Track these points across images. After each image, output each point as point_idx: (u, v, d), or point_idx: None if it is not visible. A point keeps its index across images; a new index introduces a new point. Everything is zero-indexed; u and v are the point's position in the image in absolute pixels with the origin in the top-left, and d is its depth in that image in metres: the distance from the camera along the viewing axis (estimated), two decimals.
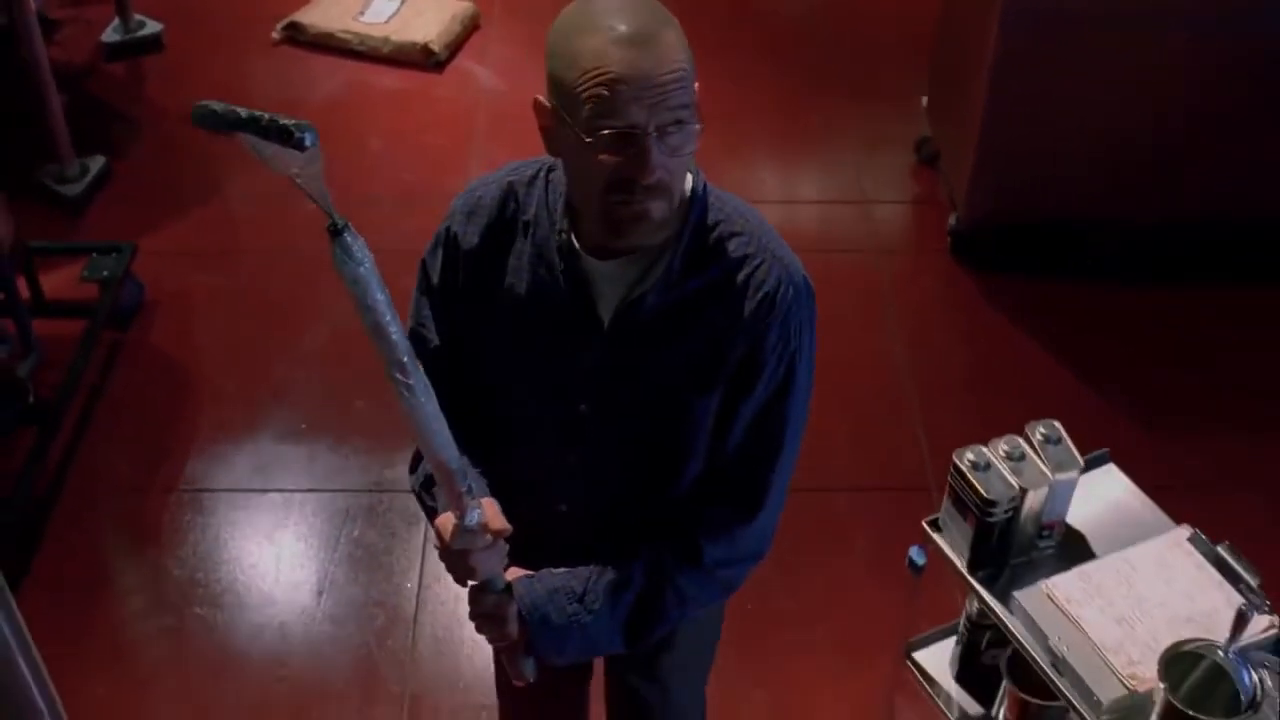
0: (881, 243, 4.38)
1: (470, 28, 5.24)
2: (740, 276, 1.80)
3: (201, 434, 3.75)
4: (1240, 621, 2.02)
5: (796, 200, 4.62)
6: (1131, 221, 4.15)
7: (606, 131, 1.64)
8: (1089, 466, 2.51)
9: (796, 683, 3.17)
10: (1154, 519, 2.46)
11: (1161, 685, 2.03)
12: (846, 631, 3.23)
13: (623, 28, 1.63)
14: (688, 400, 1.85)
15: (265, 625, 3.30)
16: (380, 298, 1.49)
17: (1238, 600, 2.24)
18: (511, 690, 2.32)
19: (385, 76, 5.08)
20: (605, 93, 1.62)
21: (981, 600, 2.34)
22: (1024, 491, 2.28)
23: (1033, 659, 2.25)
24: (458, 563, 1.80)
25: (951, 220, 4.23)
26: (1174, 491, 2.55)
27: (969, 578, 2.35)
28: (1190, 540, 2.36)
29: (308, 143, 1.42)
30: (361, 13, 5.18)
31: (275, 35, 5.19)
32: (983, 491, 2.27)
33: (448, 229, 1.92)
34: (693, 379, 1.84)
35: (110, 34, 5.12)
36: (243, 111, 1.46)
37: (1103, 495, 2.50)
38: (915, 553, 2.50)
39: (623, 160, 1.66)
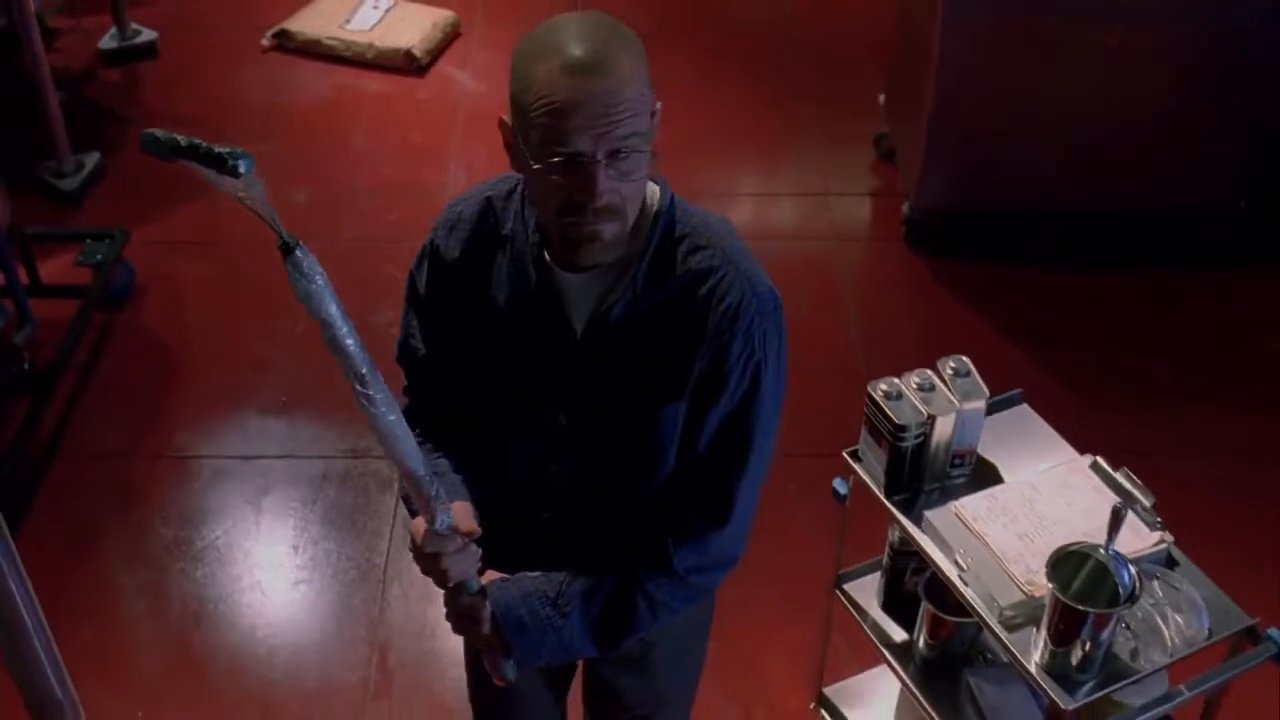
0: (840, 231, 4.60)
1: (451, 35, 5.47)
2: (704, 289, 1.83)
3: (188, 406, 3.95)
4: (1115, 519, 2.19)
5: (761, 194, 4.83)
6: (1076, 209, 4.35)
7: (555, 159, 1.68)
8: (1004, 406, 2.70)
9: (741, 629, 3.35)
10: (1061, 451, 2.64)
11: (1050, 584, 2.20)
12: (789, 577, 3.41)
13: (576, 53, 1.66)
14: (657, 410, 1.88)
15: (244, 578, 3.49)
16: (335, 312, 1.50)
17: (1131, 518, 2.42)
18: (483, 700, 2.43)
19: (370, 80, 5.31)
20: (552, 120, 1.66)
21: (897, 521, 2.52)
22: (933, 418, 2.45)
23: (942, 572, 2.42)
24: (430, 565, 1.83)
25: (905, 209, 4.43)
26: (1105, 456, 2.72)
27: (885, 500, 2.53)
28: (1091, 467, 2.54)
29: (241, 170, 1.44)
30: (348, 20, 5.43)
31: (265, 43, 5.43)
32: (894, 418, 2.44)
33: (431, 242, 1.96)
34: (660, 389, 1.87)
35: (107, 41, 5.36)
36: (182, 140, 1.47)
37: (1016, 431, 2.67)
38: (839, 483, 2.67)
39: (572, 184, 1.70)
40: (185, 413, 3.93)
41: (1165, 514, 2.41)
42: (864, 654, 2.99)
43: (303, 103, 5.20)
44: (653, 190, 1.88)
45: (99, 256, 4.14)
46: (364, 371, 1.56)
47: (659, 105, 1.79)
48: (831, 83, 5.25)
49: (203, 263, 4.47)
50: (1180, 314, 4.24)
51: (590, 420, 1.94)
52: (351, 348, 1.54)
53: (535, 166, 1.71)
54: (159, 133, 1.50)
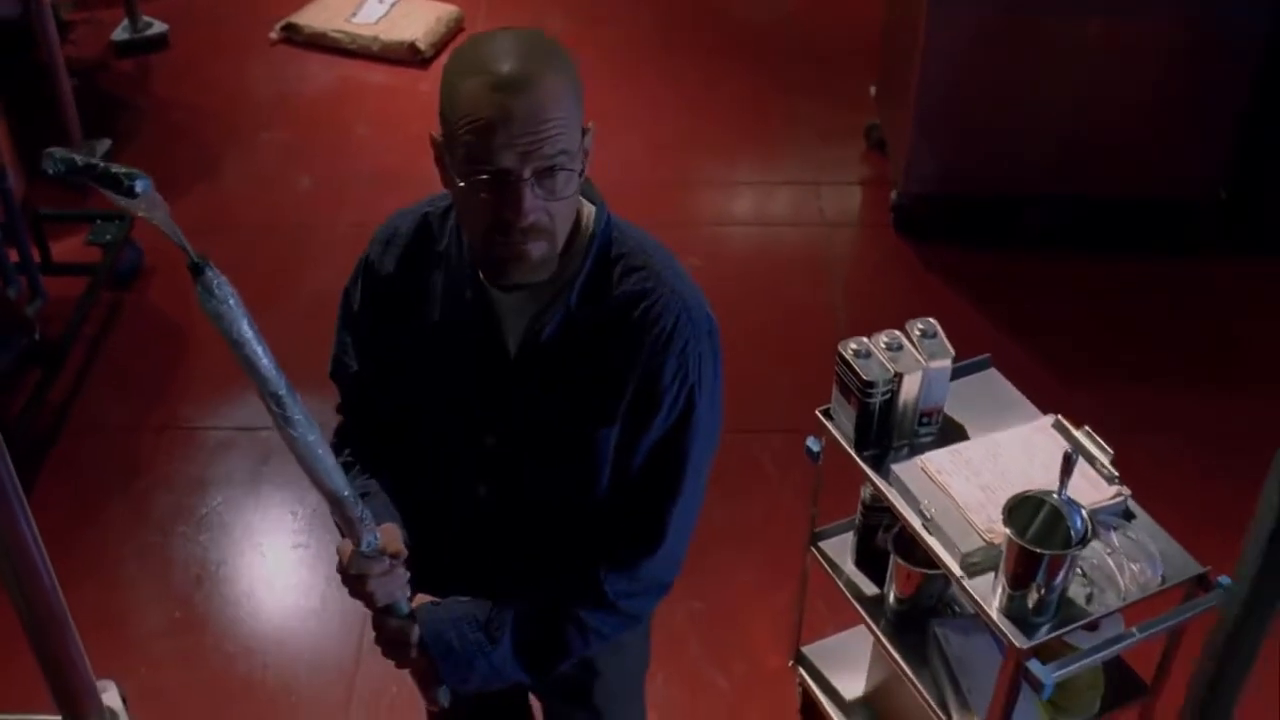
0: (830, 218, 4.71)
1: (455, 29, 5.60)
2: (638, 310, 1.81)
3: (192, 381, 4.07)
4: (1066, 465, 2.29)
5: (757, 182, 4.94)
6: (1058, 196, 4.45)
7: (480, 176, 1.65)
8: (973, 370, 2.81)
9: (724, 593, 3.45)
10: (1027, 412, 2.74)
11: (1007, 529, 2.30)
12: (771, 544, 3.52)
13: (503, 70, 1.63)
14: (589, 433, 1.85)
15: (243, 543, 3.61)
16: (248, 332, 1.46)
17: (1093, 474, 2.53)
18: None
19: (374, 72, 5.44)
20: (477, 138, 1.63)
21: (866, 476, 2.63)
22: (899, 376, 2.56)
23: (908, 522, 2.53)
24: (357, 587, 1.79)
25: (893, 196, 4.54)
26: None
27: (855, 455, 2.63)
28: (1054, 426, 2.65)
29: (137, 190, 1.40)
30: (353, 14, 5.56)
31: (273, 35, 5.57)
32: (862, 375, 2.55)
33: (366, 257, 1.94)
34: (593, 411, 1.84)
35: (120, 33, 5.51)
36: (79, 159, 1.44)
37: (984, 394, 2.78)
38: (812, 441, 2.78)
39: (498, 202, 1.67)
40: (189, 387, 4.05)
41: (1131, 481, 2.50)
42: (842, 616, 3.11)
43: (309, 93, 5.34)
44: (589, 210, 1.85)
45: (108, 236, 4.27)
46: (280, 392, 1.52)
47: (591, 125, 1.76)
48: (825, 77, 5.36)
49: (209, 245, 4.44)
50: (1159, 299, 4.34)
51: (520, 442, 1.91)
52: (266, 368, 1.49)
53: (461, 184, 1.69)
54: (57, 152, 1.45)
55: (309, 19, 5.56)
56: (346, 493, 1.67)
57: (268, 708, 3.24)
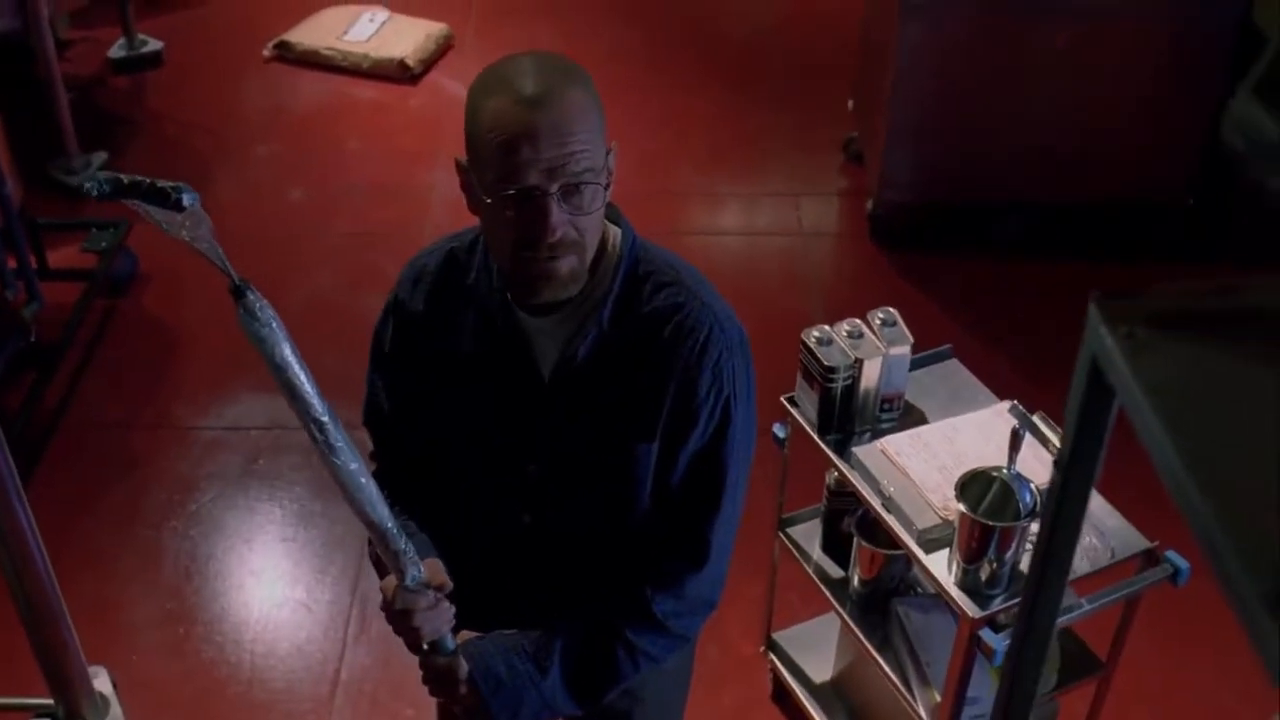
0: (808, 228, 4.82)
1: (444, 46, 5.72)
2: (670, 325, 1.82)
3: (185, 383, 4.17)
4: (1015, 440, 2.40)
5: (738, 193, 5.05)
6: (1030, 203, 4.57)
7: (507, 192, 1.67)
8: (935, 360, 2.91)
9: None
10: (987, 400, 2.85)
11: (960, 504, 2.40)
12: (744, 540, 3.59)
13: (527, 89, 1.65)
14: (630, 451, 1.85)
15: (234, 537, 3.70)
16: (290, 356, 1.46)
17: (1046, 455, 2.63)
18: None
19: (365, 89, 5.57)
20: (504, 154, 1.65)
21: (829, 458, 2.73)
22: (860, 362, 2.66)
23: (869, 503, 2.63)
24: (403, 624, 1.78)
25: (869, 205, 4.65)
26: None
27: (818, 439, 2.74)
28: (1010, 410, 2.74)
29: (185, 203, 1.39)
30: (345, 32, 5.68)
31: (266, 53, 5.69)
32: (824, 361, 2.65)
33: (395, 297, 1.95)
34: (632, 429, 1.85)
35: (116, 50, 5.63)
36: (125, 178, 1.41)
37: (944, 382, 2.88)
38: (778, 428, 2.88)
39: (525, 219, 1.68)
40: (181, 388, 4.15)
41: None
42: (812, 604, 3.20)
43: (301, 109, 5.46)
44: (614, 232, 1.87)
45: (103, 244, 4.38)
46: (324, 419, 1.51)
47: (614, 145, 1.78)
48: (805, 91, 5.49)
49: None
50: None
51: (562, 467, 1.91)
52: (309, 393, 1.48)
53: (488, 201, 1.70)
54: (102, 175, 1.43)
55: (301, 37, 5.69)
56: (390, 524, 1.65)
57: (255, 697, 3.33)
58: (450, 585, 1.80)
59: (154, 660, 3.41)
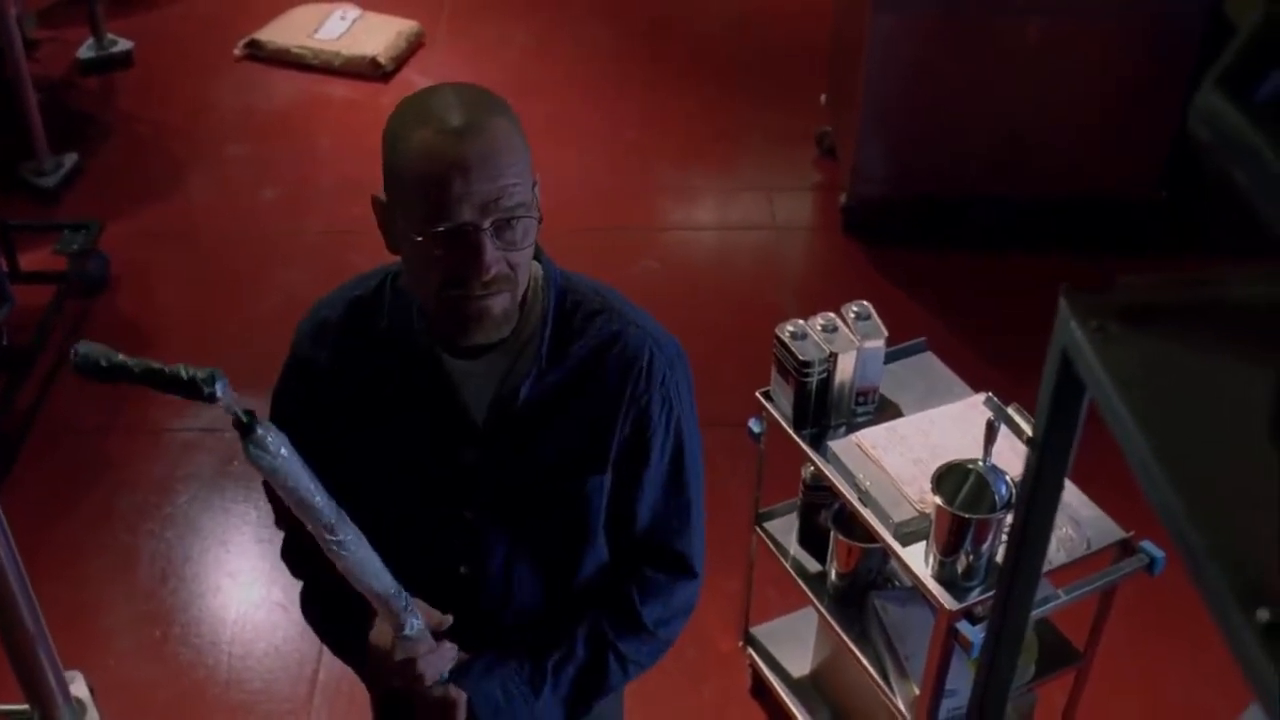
0: (782, 222, 4.83)
1: (415, 44, 5.71)
2: (611, 354, 1.79)
3: None
4: (990, 433, 2.40)
5: (711, 189, 5.06)
6: (1003, 197, 4.58)
7: (438, 229, 1.59)
8: (910, 353, 2.92)
9: None
10: (961, 392, 2.85)
11: (936, 497, 2.41)
12: (720, 537, 3.59)
13: (454, 122, 1.58)
14: (577, 487, 1.82)
15: (209, 539, 3.69)
16: (303, 478, 1.46)
17: (1021, 447, 2.63)
18: None
19: (336, 86, 5.55)
20: (433, 189, 1.57)
21: (805, 453, 2.73)
22: (834, 356, 2.66)
23: (845, 497, 2.63)
24: (406, 672, 1.75)
25: (843, 199, 4.66)
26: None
27: (793, 434, 2.74)
28: (986, 403, 2.75)
29: (218, 394, 1.39)
30: (316, 30, 5.67)
31: (237, 52, 5.67)
32: (799, 355, 2.65)
33: (294, 357, 1.86)
34: (580, 464, 1.81)
35: (85, 51, 5.59)
36: (134, 365, 1.39)
37: (920, 375, 2.89)
38: (753, 423, 2.88)
39: (456, 257, 1.61)
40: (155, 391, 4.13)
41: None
42: (790, 599, 3.20)
43: (272, 107, 5.44)
44: (535, 265, 1.79)
45: (75, 246, 4.35)
46: (333, 521, 1.51)
47: (538, 178, 1.70)
48: (778, 86, 5.50)
49: (174, 253, 4.68)
50: None
51: (501, 514, 1.85)
52: (319, 504, 1.49)
53: (418, 239, 1.60)
54: (98, 353, 1.41)
55: (272, 35, 5.66)
56: (393, 588, 1.64)
57: (233, 699, 3.32)
58: (449, 620, 1.79)
59: (131, 664, 3.39)
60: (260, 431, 1.41)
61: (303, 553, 1.91)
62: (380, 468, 1.84)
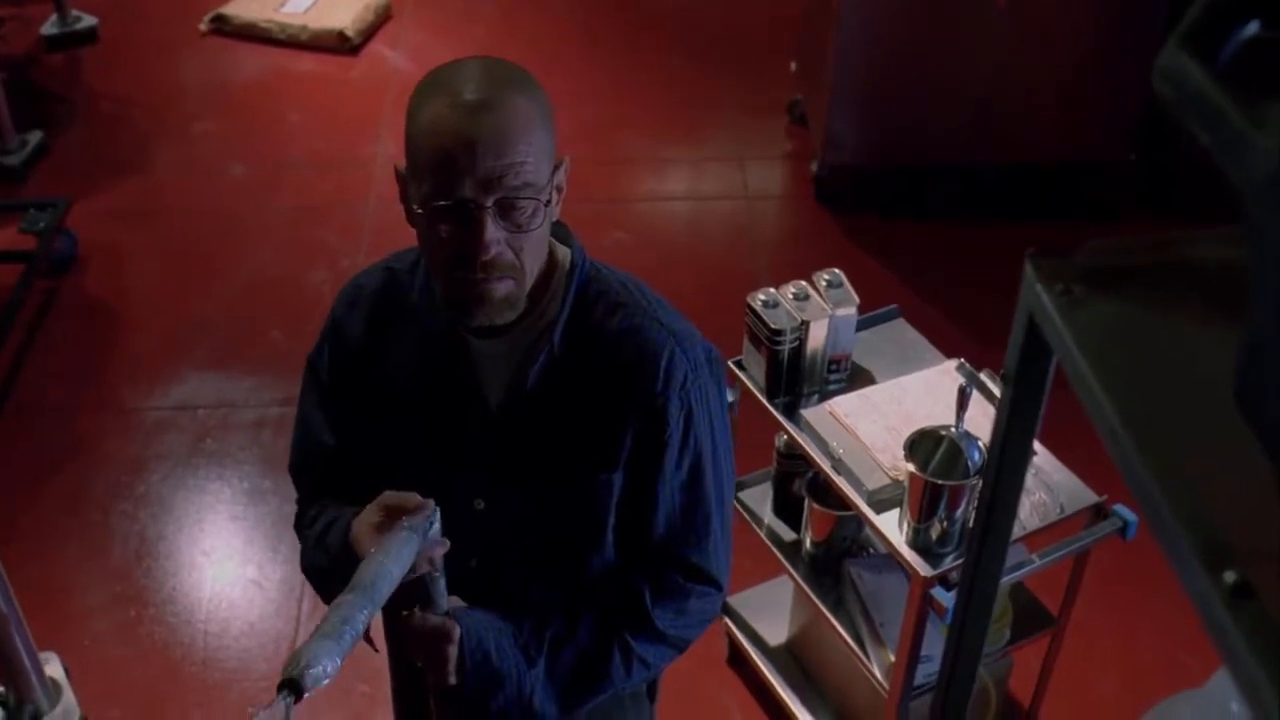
0: (753, 191, 4.83)
1: (384, 16, 5.67)
2: (629, 349, 1.73)
3: (129, 363, 4.13)
4: (962, 399, 2.40)
5: (683, 159, 5.04)
6: (974, 164, 4.58)
7: (438, 203, 1.57)
8: (882, 320, 2.92)
9: None
10: (934, 358, 2.86)
11: (909, 463, 2.41)
12: None
13: (469, 94, 1.55)
14: (586, 484, 1.76)
15: (183, 518, 3.67)
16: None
17: (994, 412, 2.63)
18: None
19: (304, 61, 5.51)
20: (439, 163, 1.55)
21: (778, 421, 2.73)
22: (806, 324, 2.66)
23: (818, 465, 2.63)
24: (437, 646, 1.71)
25: (814, 167, 4.65)
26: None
27: (766, 403, 2.74)
28: (958, 369, 2.75)
29: (307, 685, 1.38)
30: (282, 4, 5.62)
31: (203, 27, 5.62)
32: (770, 324, 2.65)
33: (332, 319, 1.85)
34: (589, 460, 1.75)
35: (49, 27, 5.54)
36: None
37: (893, 342, 2.89)
38: (727, 391, 2.88)
39: (459, 235, 1.58)
40: (127, 369, 4.11)
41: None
42: (765, 568, 3.20)
43: (240, 83, 5.40)
44: (564, 251, 1.77)
45: (41, 224, 4.31)
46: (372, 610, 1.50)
47: (566, 160, 1.67)
48: (747, 55, 5.49)
49: (142, 231, 4.65)
50: None
51: (511, 507, 1.80)
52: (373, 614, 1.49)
53: (419, 212, 1.60)
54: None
55: (238, 10, 5.62)
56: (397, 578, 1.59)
57: (210, 677, 3.31)
58: (447, 544, 1.68)
59: (106, 644, 3.38)
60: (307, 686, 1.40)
61: (314, 472, 1.92)
62: (395, 449, 1.82)
